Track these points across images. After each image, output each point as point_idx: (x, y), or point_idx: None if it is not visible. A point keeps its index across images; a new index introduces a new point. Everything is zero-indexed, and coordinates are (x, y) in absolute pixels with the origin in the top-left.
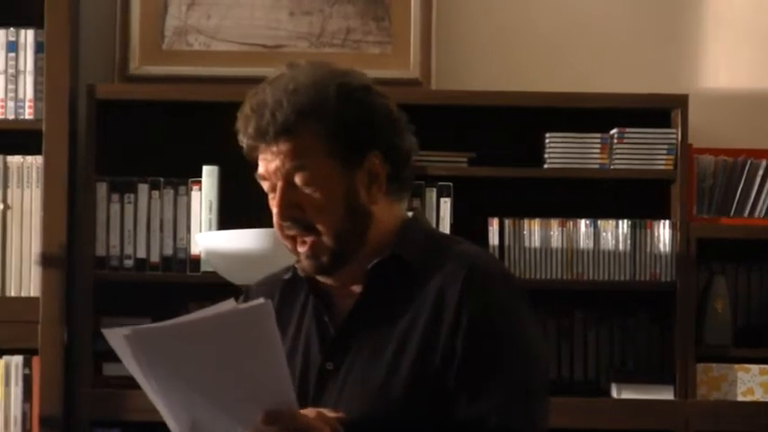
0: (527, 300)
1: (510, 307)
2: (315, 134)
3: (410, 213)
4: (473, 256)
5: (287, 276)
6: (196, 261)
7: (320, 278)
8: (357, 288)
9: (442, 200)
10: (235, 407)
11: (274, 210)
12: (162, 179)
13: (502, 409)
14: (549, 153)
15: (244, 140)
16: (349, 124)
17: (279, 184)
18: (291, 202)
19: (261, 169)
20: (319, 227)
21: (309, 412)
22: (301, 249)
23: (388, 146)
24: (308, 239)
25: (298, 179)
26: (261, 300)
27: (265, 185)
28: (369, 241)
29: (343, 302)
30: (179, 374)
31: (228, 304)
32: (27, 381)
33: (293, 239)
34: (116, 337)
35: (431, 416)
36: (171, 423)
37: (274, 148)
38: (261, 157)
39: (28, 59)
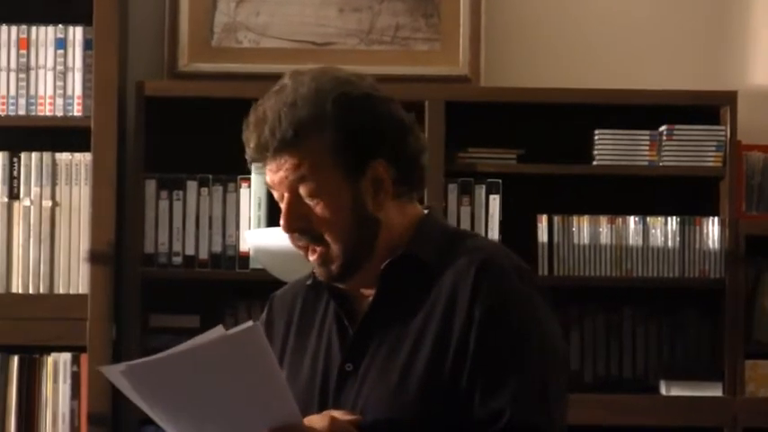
0: (543, 293)
1: (523, 301)
2: (316, 146)
3: (426, 210)
4: (485, 251)
5: (309, 281)
6: (245, 258)
7: (335, 284)
8: (374, 290)
9: (491, 197)
10: (241, 427)
11: (281, 219)
12: (211, 176)
13: (518, 404)
14: (598, 150)
15: (248, 155)
16: (350, 135)
17: (285, 196)
18: (298, 214)
19: (267, 179)
20: (327, 237)
21: (324, 416)
22: (312, 258)
23: (393, 151)
24: (318, 249)
25: (303, 191)
26: (249, 323)
27: (275, 194)
28: (380, 245)
29: (361, 304)
30: (181, 402)
31: (217, 331)
32: (75, 378)
33: (305, 248)
34: (114, 373)
35: (447, 413)
36: None
37: (279, 161)
38: (267, 168)
39: (77, 56)
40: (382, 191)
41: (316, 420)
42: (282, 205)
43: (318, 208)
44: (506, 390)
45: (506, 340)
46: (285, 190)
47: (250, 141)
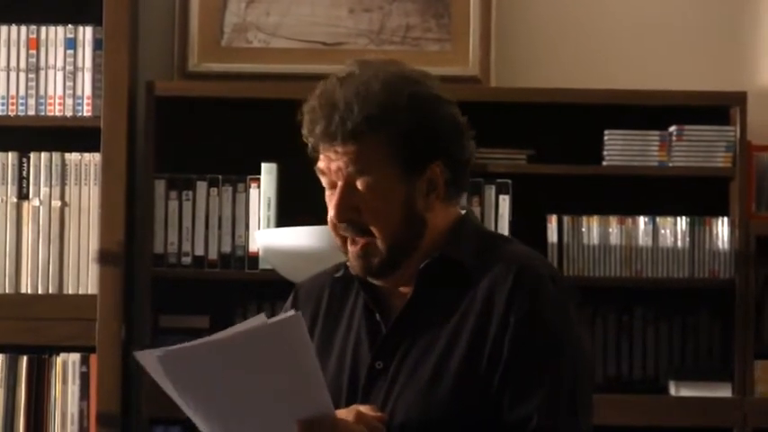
0: (576, 299)
1: (558, 310)
2: (381, 142)
3: (463, 211)
4: (523, 257)
5: (338, 274)
6: (254, 258)
7: (370, 279)
8: (408, 288)
9: (501, 197)
10: (272, 418)
11: (331, 207)
12: (220, 176)
13: (547, 411)
14: (608, 150)
15: (309, 138)
16: (416, 135)
17: (339, 184)
18: (350, 205)
19: (322, 165)
20: (374, 231)
21: (350, 410)
22: (352, 249)
23: (450, 154)
24: (361, 240)
25: (359, 183)
26: (291, 312)
27: (324, 180)
28: (421, 245)
29: (394, 302)
30: (214, 391)
31: (259, 319)
32: (84, 379)
33: (344, 238)
34: (149, 358)
35: (477, 415)
36: None
37: (339, 149)
38: (324, 153)
39: (87, 56)
40: (434, 192)
41: (342, 414)
42: (333, 193)
43: (371, 201)
44: (536, 396)
45: (539, 347)
46: (340, 179)
47: (316, 125)
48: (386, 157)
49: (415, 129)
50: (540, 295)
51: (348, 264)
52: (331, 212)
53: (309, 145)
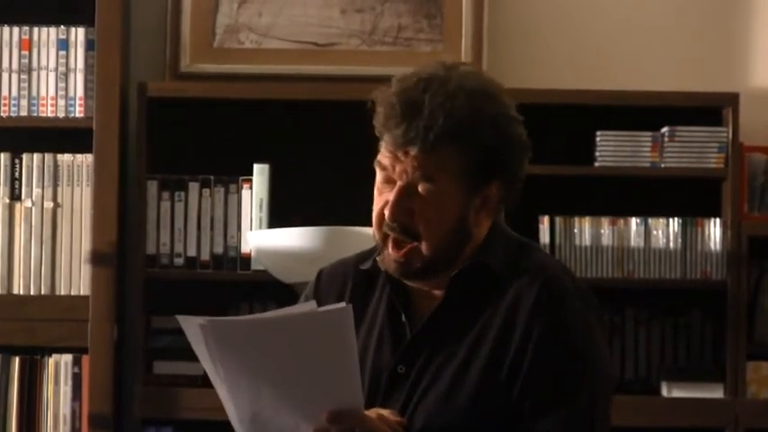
0: (599, 313)
1: (581, 324)
2: (455, 155)
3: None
4: (550, 269)
5: (365, 266)
6: (246, 259)
7: (404, 279)
8: (438, 292)
9: None
10: (301, 404)
11: (381, 202)
12: (212, 177)
13: (565, 427)
14: (600, 151)
15: (383, 133)
16: (489, 154)
17: (399, 185)
18: (406, 207)
19: (386, 161)
20: (423, 237)
21: (372, 412)
22: (394, 252)
23: (511, 175)
24: (406, 245)
25: (421, 189)
26: (342, 304)
27: (381, 174)
28: (462, 256)
29: (422, 304)
30: (249, 368)
31: (309, 305)
32: (76, 379)
33: (387, 235)
34: (191, 325)
35: (496, 425)
36: (230, 410)
37: (412, 153)
38: (391, 151)
39: (79, 57)
40: (486, 209)
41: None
42: (389, 190)
43: (428, 209)
44: (555, 414)
45: (561, 363)
46: (402, 180)
47: (394, 124)
48: (455, 170)
49: (490, 148)
50: (564, 309)
51: (381, 261)
52: (378, 207)
53: (379, 136)
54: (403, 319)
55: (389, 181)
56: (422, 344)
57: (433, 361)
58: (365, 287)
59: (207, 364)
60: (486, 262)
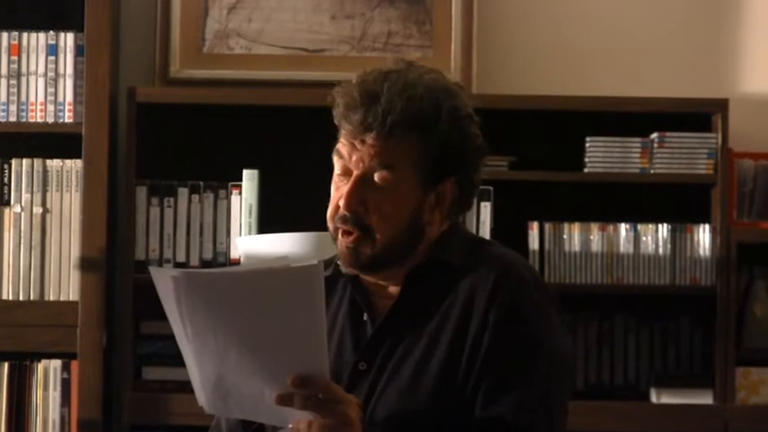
0: (557, 305)
1: (538, 311)
2: (412, 145)
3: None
4: (506, 259)
5: (326, 273)
6: (236, 265)
7: (361, 275)
8: (395, 289)
9: (483, 204)
10: (267, 367)
11: (337, 196)
12: (202, 183)
13: (519, 412)
14: (590, 157)
15: (342, 123)
16: (445, 147)
17: (355, 174)
18: (361, 197)
19: (344, 150)
20: (375, 228)
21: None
22: (343, 240)
23: (466, 174)
24: (355, 232)
25: (377, 177)
26: (314, 260)
27: (338, 165)
28: (414, 253)
29: (381, 303)
30: (218, 325)
31: (282, 261)
32: (66, 385)
33: (337, 228)
34: (163, 277)
35: (458, 415)
36: (194, 374)
37: (369, 141)
38: (349, 140)
39: (68, 63)
40: (440, 207)
41: None
42: (344, 181)
43: (382, 200)
44: (510, 396)
45: (516, 348)
46: (359, 169)
47: (353, 112)
48: (412, 161)
49: (446, 141)
50: (521, 297)
51: (338, 260)
52: (333, 202)
53: (338, 125)
54: (365, 317)
55: (346, 173)
56: (382, 340)
57: (394, 356)
58: (327, 293)
59: (175, 321)
60: (442, 258)
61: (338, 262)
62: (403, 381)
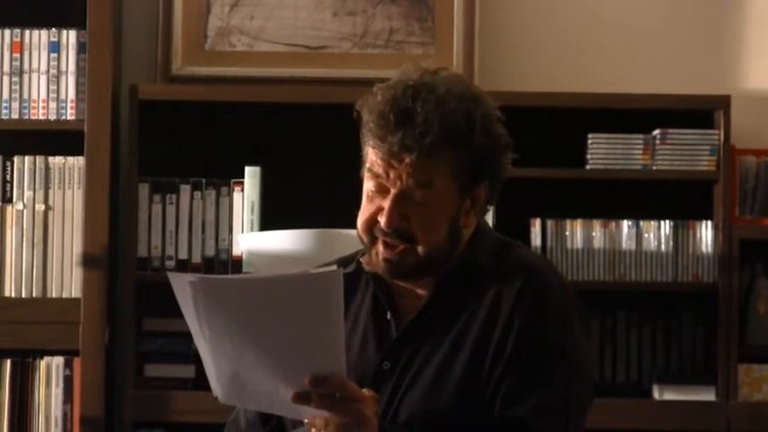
0: (582, 312)
1: (562, 317)
2: (450, 159)
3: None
4: (531, 264)
5: (348, 270)
6: (238, 262)
7: (393, 279)
8: (422, 291)
9: None
10: (284, 366)
11: (371, 209)
12: (204, 180)
13: (537, 417)
14: (592, 154)
15: (376, 142)
16: (481, 156)
17: (394, 192)
18: (402, 213)
19: (377, 168)
20: (419, 240)
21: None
22: (386, 252)
23: (496, 176)
24: (400, 246)
25: (417, 195)
26: (333, 267)
27: (372, 182)
28: (453, 257)
29: (407, 303)
30: (235, 328)
31: (300, 268)
32: (68, 382)
33: (376, 238)
34: (181, 281)
35: (480, 415)
36: (210, 369)
37: (407, 160)
38: (382, 158)
39: (70, 60)
40: (474, 210)
41: None
42: (381, 198)
43: (423, 213)
44: (530, 400)
45: (539, 353)
46: (396, 187)
47: (389, 133)
48: (449, 173)
49: (480, 149)
50: (546, 302)
51: (367, 262)
52: (367, 213)
53: (372, 144)
54: (388, 316)
55: (382, 189)
56: (407, 340)
57: (418, 357)
58: (347, 291)
59: (192, 323)
60: (474, 259)
61: (360, 259)
62: (426, 382)
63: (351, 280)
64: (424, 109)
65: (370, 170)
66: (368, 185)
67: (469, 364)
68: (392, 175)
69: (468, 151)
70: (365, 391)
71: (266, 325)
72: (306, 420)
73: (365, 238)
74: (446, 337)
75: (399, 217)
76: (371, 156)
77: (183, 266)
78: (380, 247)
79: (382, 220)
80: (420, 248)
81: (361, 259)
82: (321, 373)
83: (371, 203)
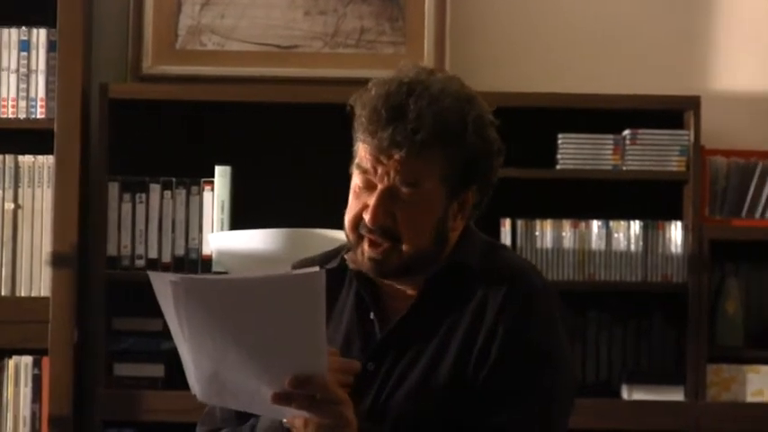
0: (563, 314)
1: (548, 321)
2: (439, 159)
3: None
4: (517, 268)
5: (331, 266)
6: (208, 261)
7: (378, 277)
8: (410, 291)
9: None
10: (265, 367)
11: (358, 205)
12: (174, 179)
13: (521, 423)
14: (562, 154)
15: (366, 137)
16: (471, 159)
17: (380, 188)
18: (388, 210)
19: (366, 164)
20: (404, 239)
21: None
22: (371, 250)
23: (486, 180)
24: (385, 244)
25: (404, 192)
26: (315, 268)
27: (360, 178)
28: (439, 259)
29: (392, 303)
30: (216, 328)
31: (282, 268)
32: (37, 381)
33: (362, 236)
34: (162, 281)
35: (462, 423)
36: (189, 369)
37: (396, 156)
38: (371, 153)
39: (40, 59)
40: (462, 214)
41: None
42: (368, 194)
43: (411, 213)
44: (512, 408)
45: (524, 357)
46: (383, 183)
47: (380, 129)
48: (439, 174)
49: (473, 152)
50: (532, 306)
51: (352, 260)
52: (354, 210)
53: (362, 141)
54: (371, 316)
55: (369, 186)
56: (392, 342)
57: (404, 358)
58: (330, 287)
59: (172, 322)
60: (462, 261)
61: (345, 255)
62: (411, 385)
63: (334, 277)
64: (417, 105)
65: (358, 165)
66: (355, 181)
67: (454, 368)
68: (380, 171)
69: (459, 153)
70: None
71: (248, 325)
72: (285, 420)
73: (351, 236)
74: (431, 340)
75: (385, 214)
76: (361, 151)
77: (153, 266)
78: (366, 246)
79: (367, 216)
80: (404, 247)
81: (346, 256)
82: (302, 374)
83: (358, 200)
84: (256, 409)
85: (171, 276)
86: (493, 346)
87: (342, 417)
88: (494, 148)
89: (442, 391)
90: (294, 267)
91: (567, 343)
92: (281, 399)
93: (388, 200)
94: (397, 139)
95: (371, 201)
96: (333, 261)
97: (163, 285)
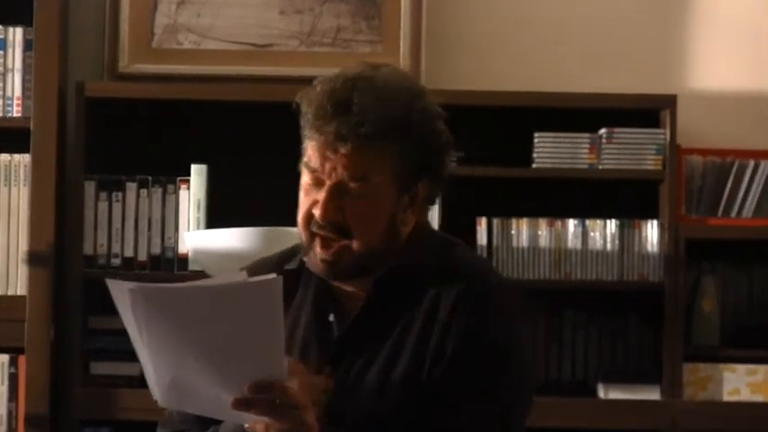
0: (523, 310)
1: (504, 320)
2: (388, 151)
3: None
4: (471, 266)
5: (290, 266)
6: (184, 260)
7: (332, 279)
8: (362, 292)
9: None
10: (224, 373)
11: (308, 202)
12: (150, 178)
13: (480, 423)
14: (538, 153)
15: (312, 133)
16: (418, 151)
17: (328, 184)
18: (337, 206)
19: (314, 162)
20: (355, 236)
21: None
22: (323, 251)
23: (437, 172)
24: (336, 244)
25: (353, 187)
26: (273, 275)
27: (308, 176)
28: (391, 256)
29: (348, 304)
30: (175, 335)
31: (239, 275)
32: (13, 380)
33: (314, 235)
34: (120, 289)
35: (420, 423)
36: (149, 374)
37: (342, 151)
38: (320, 151)
39: (16, 57)
40: (412, 207)
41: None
42: (317, 191)
43: (361, 207)
44: (469, 409)
45: (480, 359)
46: (331, 179)
47: (325, 123)
48: (387, 167)
49: (421, 144)
50: (488, 304)
51: (308, 261)
52: (305, 208)
53: (308, 135)
54: (330, 318)
55: (318, 183)
56: (348, 344)
57: (359, 361)
58: (289, 288)
59: (131, 328)
60: (413, 261)
61: (304, 258)
62: (369, 386)
63: (291, 278)
64: (362, 99)
65: (306, 164)
66: (305, 179)
67: (410, 368)
68: (328, 166)
69: (405, 145)
70: (320, 376)
71: (206, 332)
72: (247, 426)
73: (304, 236)
74: (386, 340)
75: (335, 210)
76: (309, 149)
77: (129, 264)
78: (318, 248)
79: (317, 212)
80: (355, 245)
81: (304, 259)
82: (262, 380)
83: (308, 197)
84: (217, 414)
85: (129, 284)
86: (447, 344)
87: (302, 421)
88: (442, 140)
89: (400, 392)
90: (250, 268)
91: (527, 339)
92: (241, 404)
93: (337, 195)
94: (343, 132)
95: (321, 196)
96: (291, 262)
97: (121, 293)
